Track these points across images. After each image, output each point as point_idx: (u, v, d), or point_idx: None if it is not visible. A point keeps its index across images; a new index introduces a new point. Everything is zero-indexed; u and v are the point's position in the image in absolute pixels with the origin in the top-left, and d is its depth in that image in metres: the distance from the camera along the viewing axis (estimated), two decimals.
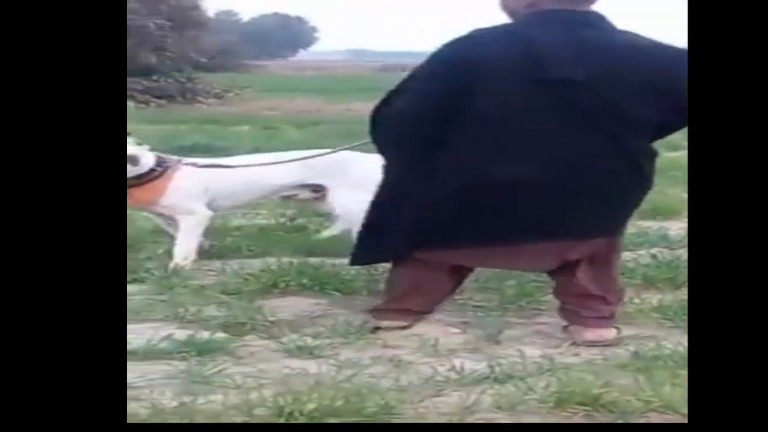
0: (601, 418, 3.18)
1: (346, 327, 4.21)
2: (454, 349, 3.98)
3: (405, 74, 4.01)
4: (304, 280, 4.85)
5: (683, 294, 4.56)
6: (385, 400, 3.19)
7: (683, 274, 4.80)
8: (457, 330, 4.25)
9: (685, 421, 3.14)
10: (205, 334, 3.99)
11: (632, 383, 3.43)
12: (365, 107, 17.12)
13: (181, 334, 3.98)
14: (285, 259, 5.15)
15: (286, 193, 5.61)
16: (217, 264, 5.29)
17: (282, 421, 3.04)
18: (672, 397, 3.26)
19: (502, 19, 4.08)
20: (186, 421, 3.07)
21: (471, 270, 4.37)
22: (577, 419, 3.17)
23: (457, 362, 3.73)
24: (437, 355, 3.90)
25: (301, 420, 3.03)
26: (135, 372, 3.56)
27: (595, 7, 3.97)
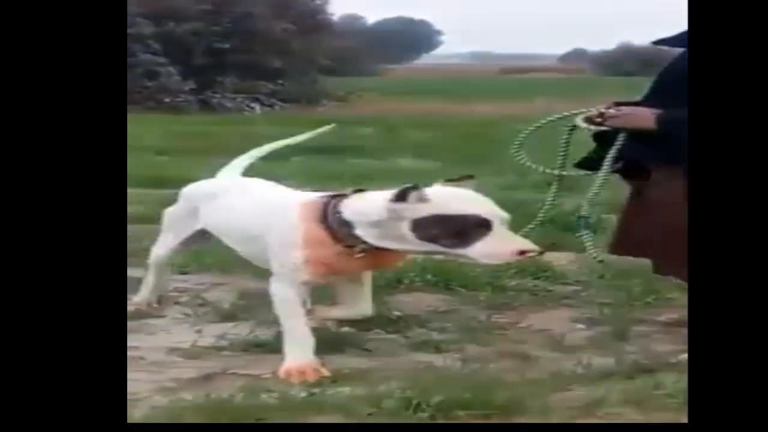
0: None
1: (471, 322, 4.21)
2: (581, 345, 3.96)
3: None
4: (429, 276, 4.86)
5: None
6: (513, 393, 3.18)
7: None
8: (582, 326, 4.23)
9: None
10: (332, 328, 4.03)
11: None
12: (488, 109, 17.09)
13: None
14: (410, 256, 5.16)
15: None
16: None
17: (409, 413, 3.06)
18: None
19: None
20: (314, 412, 3.11)
21: None
22: None
23: (584, 357, 3.70)
24: (564, 350, 3.88)
25: (428, 411, 3.05)
26: (266, 363, 3.63)
27: None
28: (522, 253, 3.43)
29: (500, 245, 3.44)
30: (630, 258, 4.32)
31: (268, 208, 3.87)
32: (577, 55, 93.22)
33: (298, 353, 3.58)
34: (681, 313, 4.40)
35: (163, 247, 4.39)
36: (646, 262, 4.30)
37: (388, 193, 3.57)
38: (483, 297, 4.65)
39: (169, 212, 4.40)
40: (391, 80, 40.68)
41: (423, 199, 3.49)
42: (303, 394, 3.27)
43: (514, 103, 22.33)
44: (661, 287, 4.67)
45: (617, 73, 43.82)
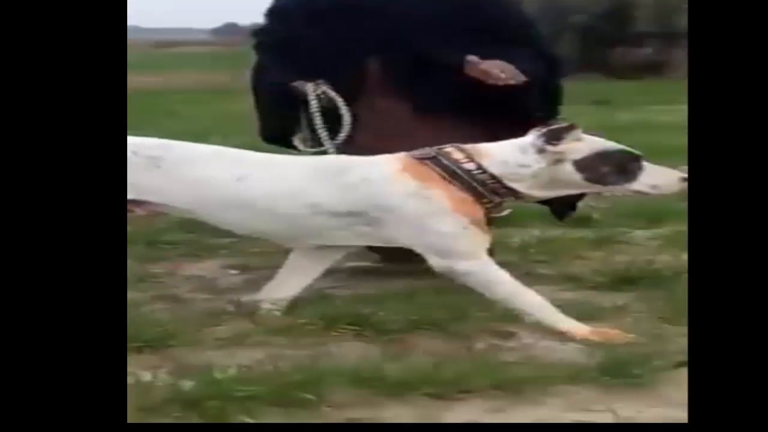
0: (371, 336, 3.37)
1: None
2: (233, 288, 4.12)
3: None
4: None
5: None
6: (164, 327, 3.29)
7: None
8: (235, 271, 4.39)
9: (441, 330, 3.42)
10: None
11: (401, 306, 3.62)
12: (143, 80, 16.67)
13: None
14: None
15: None
16: None
17: None
18: (437, 317, 3.49)
19: None
20: None
21: None
22: (348, 338, 3.35)
23: (234, 297, 3.84)
24: (216, 292, 4.04)
25: None
26: None
27: None
28: (684, 179, 3.22)
29: (663, 175, 3.31)
30: None
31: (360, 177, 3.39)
32: (229, 28, 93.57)
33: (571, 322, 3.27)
34: None
35: None
36: None
37: (527, 139, 3.28)
38: (137, 250, 4.68)
39: None
40: None
41: (579, 138, 3.26)
42: None
43: (168, 75, 22.15)
44: None
45: None
